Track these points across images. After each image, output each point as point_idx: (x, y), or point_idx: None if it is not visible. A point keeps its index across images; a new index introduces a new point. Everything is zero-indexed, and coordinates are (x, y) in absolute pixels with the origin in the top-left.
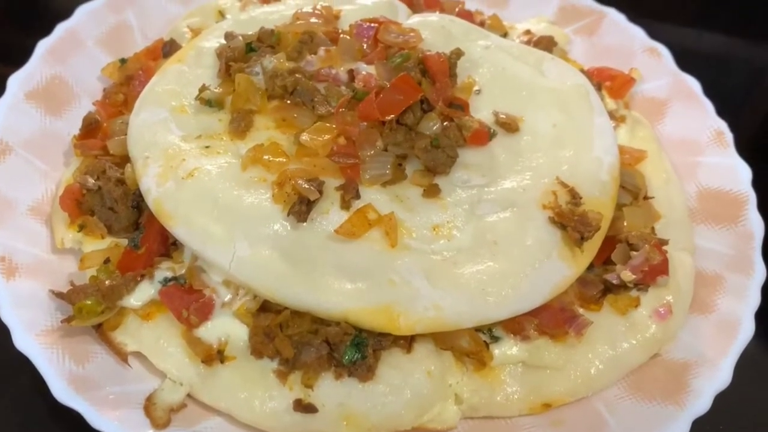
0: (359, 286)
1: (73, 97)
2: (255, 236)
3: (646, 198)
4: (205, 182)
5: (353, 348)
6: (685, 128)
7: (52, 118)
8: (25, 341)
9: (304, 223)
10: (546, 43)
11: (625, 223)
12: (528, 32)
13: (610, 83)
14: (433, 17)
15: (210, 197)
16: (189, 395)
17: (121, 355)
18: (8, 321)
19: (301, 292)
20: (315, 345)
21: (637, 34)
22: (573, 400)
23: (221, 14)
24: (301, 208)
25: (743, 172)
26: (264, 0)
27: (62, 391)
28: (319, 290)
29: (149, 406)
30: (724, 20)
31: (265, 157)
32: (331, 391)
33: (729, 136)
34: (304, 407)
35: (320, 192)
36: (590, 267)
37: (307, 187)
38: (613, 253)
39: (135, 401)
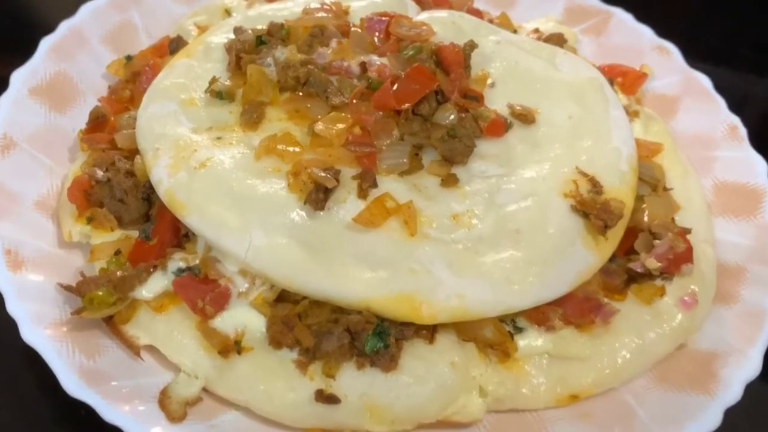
0: (380, 274)
1: (78, 94)
2: (271, 225)
3: (665, 189)
4: (218, 172)
5: (375, 337)
6: (698, 124)
7: (56, 114)
8: (32, 334)
9: (321, 212)
10: (556, 41)
11: (645, 214)
12: (536, 31)
13: (622, 79)
14: (443, 13)
15: (224, 187)
16: (204, 389)
17: (134, 349)
18: (15, 314)
19: (320, 280)
20: (336, 334)
21: (645, 32)
22: (600, 391)
23: (227, 12)
24: (318, 196)
25: (759, 165)
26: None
27: (73, 385)
28: (339, 279)
29: (164, 399)
30: (722, 24)
31: (279, 146)
32: (354, 381)
33: (743, 131)
34: (326, 398)
35: (337, 180)
36: (612, 258)
37: (323, 175)
38: (636, 242)
39: (149, 395)
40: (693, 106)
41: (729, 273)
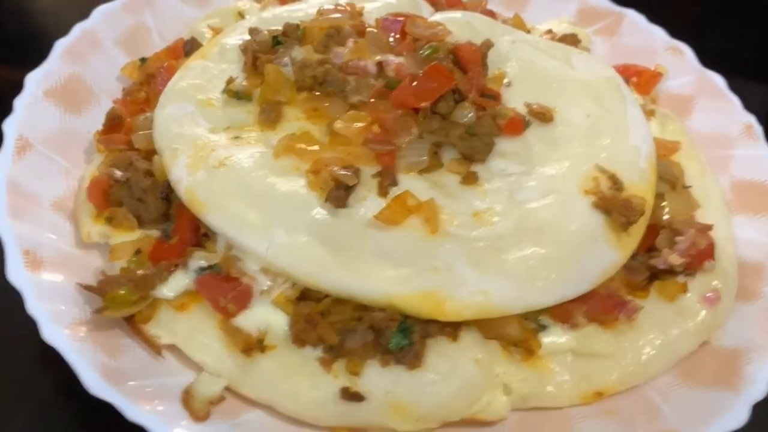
0: (402, 272)
1: (92, 96)
2: (292, 223)
3: (684, 187)
4: (237, 170)
5: (400, 334)
6: (713, 123)
7: (71, 116)
8: (53, 333)
9: (342, 210)
10: (570, 41)
11: (665, 211)
12: (549, 32)
13: (637, 79)
14: (457, 14)
15: (244, 185)
16: (227, 388)
17: (155, 348)
18: (35, 313)
19: (343, 278)
20: (360, 331)
21: (658, 33)
22: (625, 388)
23: (240, 15)
24: (339, 193)
25: None
26: (282, 2)
27: (96, 384)
28: (362, 276)
29: (187, 398)
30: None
31: (298, 145)
32: (379, 378)
33: (759, 129)
34: (351, 395)
35: (357, 178)
36: (634, 255)
37: (344, 173)
38: (658, 239)
39: (172, 394)
40: (707, 105)
41: (749, 270)
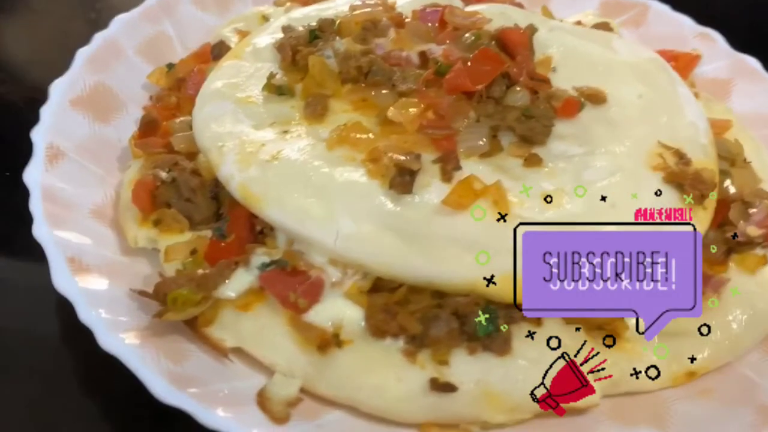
0: (480, 256)
1: (120, 104)
2: (357, 212)
3: (745, 161)
4: (292, 162)
5: (485, 319)
6: (754, 104)
7: (101, 125)
8: (112, 341)
9: (407, 197)
10: (604, 29)
11: (731, 186)
12: (579, 23)
13: (675, 63)
14: (490, 5)
15: (301, 177)
16: (302, 389)
17: (221, 352)
18: (89, 322)
19: (421, 265)
20: (444, 318)
21: (685, 21)
22: (717, 366)
23: (265, 19)
24: (404, 179)
25: None
26: (305, 4)
27: (165, 391)
28: (440, 262)
29: (263, 401)
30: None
31: (353, 135)
32: (468, 367)
33: None
34: (442, 386)
35: (420, 163)
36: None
37: (406, 158)
38: (731, 212)
39: (245, 397)
40: (746, 87)
41: None
